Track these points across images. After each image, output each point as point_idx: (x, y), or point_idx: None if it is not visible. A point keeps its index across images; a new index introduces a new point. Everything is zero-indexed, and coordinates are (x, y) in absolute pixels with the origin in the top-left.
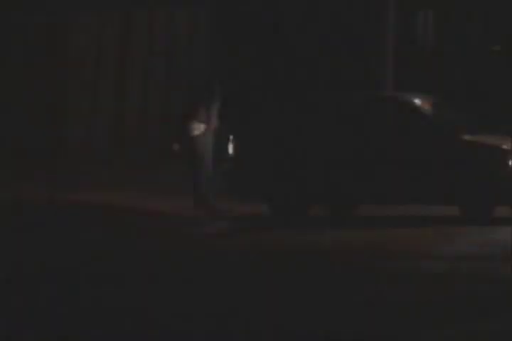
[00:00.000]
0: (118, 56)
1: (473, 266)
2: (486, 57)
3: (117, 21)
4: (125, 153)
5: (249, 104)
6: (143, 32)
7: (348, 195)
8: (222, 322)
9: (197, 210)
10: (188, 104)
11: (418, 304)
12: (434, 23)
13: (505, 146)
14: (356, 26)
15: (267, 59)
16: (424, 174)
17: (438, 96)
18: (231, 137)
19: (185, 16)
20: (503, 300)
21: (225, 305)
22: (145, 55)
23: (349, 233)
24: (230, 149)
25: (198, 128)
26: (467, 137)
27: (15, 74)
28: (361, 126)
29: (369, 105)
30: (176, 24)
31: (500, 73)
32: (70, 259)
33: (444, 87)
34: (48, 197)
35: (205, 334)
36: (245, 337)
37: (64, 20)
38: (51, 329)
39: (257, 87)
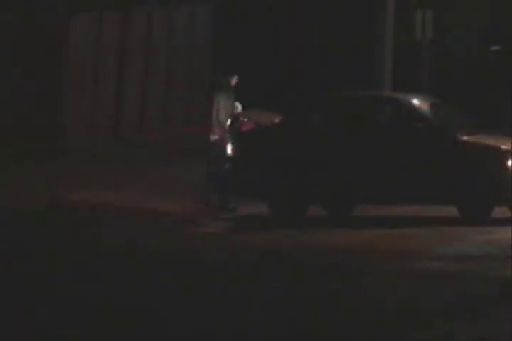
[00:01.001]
0: (118, 56)
1: (472, 267)
2: (485, 57)
3: (117, 21)
4: (125, 153)
5: (248, 103)
6: (143, 32)
7: (346, 195)
8: (220, 322)
9: (197, 210)
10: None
11: (417, 304)
12: (432, 23)
13: (504, 147)
14: (355, 26)
15: (267, 59)
16: (423, 174)
17: (437, 97)
18: (230, 137)
19: (185, 16)
20: (501, 300)
21: (223, 305)
22: (145, 55)
23: (348, 233)
24: (229, 149)
25: (214, 133)
26: (466, 137)
27: (15, 74)
28: (360, 126)
29: (368, 105)
30: (175, 24)
31: (500, 73)
32: (69, 259)
33: (444, 87)
34: (49, 197)
35: (203, 333)
36: (242, 337)
37: (64, 21)
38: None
39: (257, 86)
